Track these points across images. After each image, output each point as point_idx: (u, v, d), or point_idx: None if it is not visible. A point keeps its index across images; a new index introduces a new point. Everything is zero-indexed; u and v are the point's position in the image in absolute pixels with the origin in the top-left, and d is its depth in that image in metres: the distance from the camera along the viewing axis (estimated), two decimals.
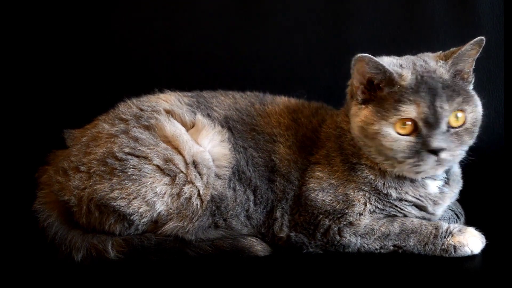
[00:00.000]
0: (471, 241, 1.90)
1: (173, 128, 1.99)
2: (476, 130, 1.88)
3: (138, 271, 1.88)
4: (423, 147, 1.82)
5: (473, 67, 1.91)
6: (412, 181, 1.95)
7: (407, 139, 1.83)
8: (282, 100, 2.19)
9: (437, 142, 1.80)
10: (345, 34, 2.71)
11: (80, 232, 1.96)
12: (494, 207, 2.29)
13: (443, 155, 1.81)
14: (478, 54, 1.88)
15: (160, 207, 1.92)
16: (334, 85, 1.99)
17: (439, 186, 1.98)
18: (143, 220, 1.94)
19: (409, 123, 1.82)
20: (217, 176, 2.00)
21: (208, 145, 2.02)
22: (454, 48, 1.92)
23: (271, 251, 1.99)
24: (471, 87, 1.92)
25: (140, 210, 1.92)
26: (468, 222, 2.07)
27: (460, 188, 2.08)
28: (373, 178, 1.95)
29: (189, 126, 2.05)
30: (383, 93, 1.86)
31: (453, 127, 1.83)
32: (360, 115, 1.90)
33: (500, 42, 2.69)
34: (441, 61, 1.89)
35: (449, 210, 2.07)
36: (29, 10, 2.86)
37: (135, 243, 1.94)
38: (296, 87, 2.31)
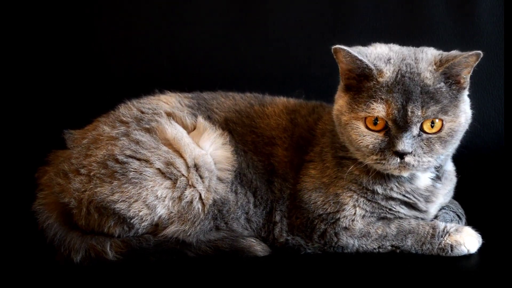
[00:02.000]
0: (468, 240, 1.90)
1: (174, 131, 1.98)
2: (452, 140, 1.82)
3: (137, 272, 1.88)
4: (388, 147, 1.80)
5: (470, 73, 1.84)
6: (398, 176, 1.91)
7: (375, 136, 1.81)
8: (281, 101, 2.19)
9: (402, 145, 1.77)
10: (345, 34, 2.71)
11: (79, 234, 1.96)
12: (493, 206, 2.30)
13: (407, 159, 1.79)
14: (476, 63, 1.80)
15: (161, 210, 1.92)
16: (334, 85, 1.99)
17: (431, 177, 1.95)
18: (143, 224, 1.93)
19: (379, 120, 1.80)
20: (220, 179, 2.00)
21: (209, 148, 2.02)
22: (451, 55, 1.84)
23: (270, 252, 1.99)
24: (465, 93, 1.86)
25: (141, 213, 1.91)
26: (468, 221, 2.08)
27: (454, 185, 2.07)
28: (358, 174, 1.93)
29: (190, 129, 2.05)
30: (364, 84, 1.83)
31: (426, 133, 1.79)
32: (338, 102, 1.89)
33: (500, 42, 2.68)
34: (433, 65, 1.82)
35: (451, 212, 2.06)
36: (29, 10, 2.85)
37: (134, 244, 1.94)
38: (296, 87, 2.32)
